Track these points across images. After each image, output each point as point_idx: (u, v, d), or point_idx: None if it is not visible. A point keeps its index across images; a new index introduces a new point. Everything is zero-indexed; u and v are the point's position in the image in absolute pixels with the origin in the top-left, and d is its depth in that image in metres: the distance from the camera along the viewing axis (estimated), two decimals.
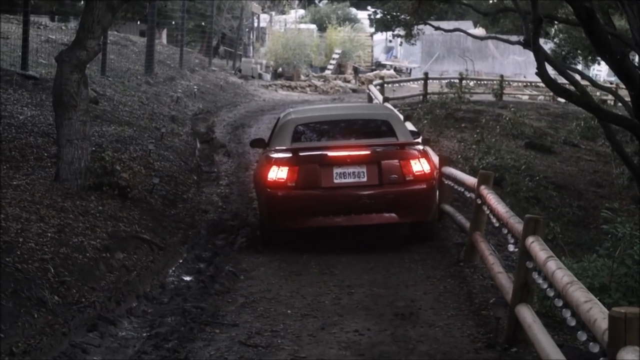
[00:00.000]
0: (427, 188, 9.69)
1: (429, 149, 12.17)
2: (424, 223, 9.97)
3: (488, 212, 8.05)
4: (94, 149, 10.98)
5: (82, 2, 22.43)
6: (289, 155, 9.78)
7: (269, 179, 9.62)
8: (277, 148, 10.07)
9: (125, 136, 13.28)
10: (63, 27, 23.29)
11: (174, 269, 9.13)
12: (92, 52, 10.20)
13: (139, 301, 7.77)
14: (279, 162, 9.67)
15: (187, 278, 8.77)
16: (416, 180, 9.59)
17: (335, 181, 9.56)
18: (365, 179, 9.57)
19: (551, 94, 26.97)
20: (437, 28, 24.46)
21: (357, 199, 9.53)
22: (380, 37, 46.24)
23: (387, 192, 9.52)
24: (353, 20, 44.81)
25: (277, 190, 9.56)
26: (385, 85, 27.53)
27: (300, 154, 9.74)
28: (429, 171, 9.74)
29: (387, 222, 9.74)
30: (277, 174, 9.57)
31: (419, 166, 9.63)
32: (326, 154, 9.67)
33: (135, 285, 8.13)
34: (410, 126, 14.34)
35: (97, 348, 6.51)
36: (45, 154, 10.88)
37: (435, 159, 11.55)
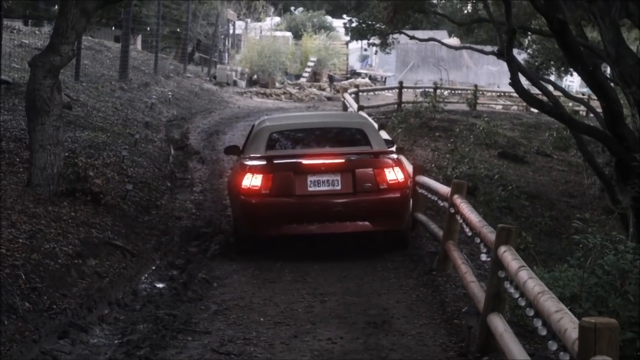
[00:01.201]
0: (401, 197, 9.75)
1: (403, 158, 12.22)
2: (397, 232, 10.01)
3: (461, 221, 8.10)
4: (67, 154, 10.90)
5: (56, 7, 22.29)
6: (263, 162, 9.79)
7: (243, 187, 9.62)
8: (251, 155, 10.07)
9: (98, 142, 13.21)
10: (37, 32, 23.10)
11: (146, 275, 9.09)
12: (66, 58, 10.13)
13: (110, 308, 7.73)
14: (254, 170, 9.68)
15: (160, 285, 8.74)
16: (390, 189, 9.63)
17: (310, 189, 9.58)
18: (339, 187, 9.60)
19: (524, 104, 27.16)
20: (412, 37, 24.55)
21: (331, 207, 9.57)
22: (355, 45, 46.31)
23: (361, 200, 9.55)
24: (328, 29, 44.82)
25: (251, 197, 9.57)
26: (360, 93, 27.59)
27: (275, 161, 9.75)
28: (402, 180, 9.79)
29: (361, 230, 9.78)
30: (252, 181, 9.57)
31: (393, 175, 9.68)
32: (300, 162, 9.69)
33: (107, 292, 8.09)
34: (384, 135, 14.39)
35: (68, 355, 6.46)
36: (18, 160, 10.79)
37: (409, 167, 11.59)
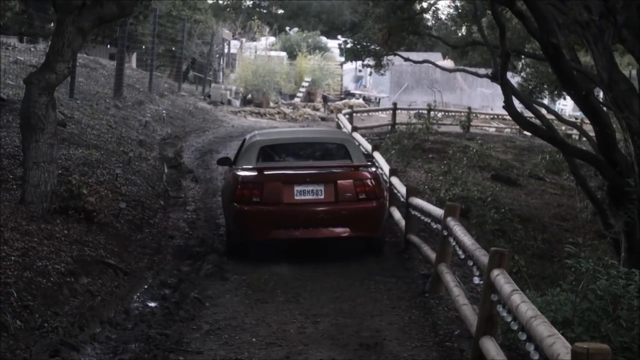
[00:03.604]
0: (377, 206, 10.55)
1: (395, 179, 12.43)
2: (374, 238, 10.79)
3: (454, 243, 8.11)
4: (60, 172, 10.91)
5: (52, 25, 22.32)
6: (254, 173, 10.58)
7: (236, 195, 10.40)
8: (243, 167, 10.84)
9: (92, 160, 13.21)
10: (32, 49, 23.14)
11: (138, 294, 9.07)
12: (61, 75, 10.15)
13: (102, 327, 7.70)
14: (246, 180, 10.48)
15: (152, 304, 8.71)
16: (368, 198, 10.45)
17: (296, 198, 10.38)
18: (322, 197, 10.41)
19: (517, 127, 27.25)
20: (406, 59, 24.67)
21: (314, 214, 10.38)
22: (349, 66, 46.34)
23: (342, 208, 10.38)
24: (323, 49, 44.98)
25: (243, 205, 10.34)
26: (354, 114, 27.66)
27: (265, 172, 10.54)
28: (379, 191, 10.62)
29: (341, 235, 10.53)
30: (244, 190, 10.37)
31: (371, 186, 10.50)
32: (288, 173, 10.57)
33: (99, 310, 8.07)
34: (378, 156, 14.50)
35: None
36: (11, 176, 10.79)
37: (402, 189, 11.68)
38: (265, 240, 10.53)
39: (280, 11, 65.52)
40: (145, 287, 9.37)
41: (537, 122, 14.78)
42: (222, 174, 15.03)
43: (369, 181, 10.52)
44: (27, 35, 27.56)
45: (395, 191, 12.42)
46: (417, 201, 10.79)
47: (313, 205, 10.39)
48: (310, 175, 10.48)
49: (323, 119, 32.66)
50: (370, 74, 39.78)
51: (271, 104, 33.90)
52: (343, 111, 28.01)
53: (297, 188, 10.37)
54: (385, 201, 11.15)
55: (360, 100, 39.71)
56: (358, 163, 10.89)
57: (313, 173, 10.54)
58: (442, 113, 31.42)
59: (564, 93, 21.88)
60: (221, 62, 38.99)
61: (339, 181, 10.43)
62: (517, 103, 13.64)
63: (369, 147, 16.24)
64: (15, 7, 21.59)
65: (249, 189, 10.36)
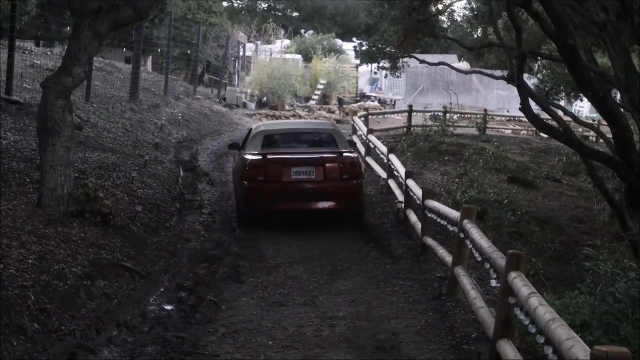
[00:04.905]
0: (357, 185, 12.77)
1: (412, 182, 12.46)
2: (355, 210, 12.95)
3: (471, 246, 8.07)
4: (77, 175, 10.94)
5: (69, 29, 22.43)
6: (260, 157, 12.72)
7: (245, 174, 12.59)
8: (251, 152, 13.00)
9: (108, 163, 13.25)
10: (48, 53, 23.25)
11: (155, 297, 9.08)
12: (78, 79, 10.18)
13: (119, 330, 7.72)
14: (253, 163, 12.65)
15: (169, 307, 8.73)
16: (350, 178, 12.64)
17: (293, 177, 12.55)
18: (314, 177, 12.58)
19: (534, 129, 27.15)
20: (422, 61, 24.58)
21: (308, 190, 12.54)
22: (365, 68, 46.45)
23: (329, 186, 12.55)
24: (338, 52, 44.92)
25: (251, 182, 12.51)
26: (370, 117, 27.59)
27: (268, 156, 12.70)
28: (359, 173, 12.85)
29: (328, 207, 12.59)
30: (251, 171, 12.54)
31: (352, 169, 12.70)
32: (287, 157, 12.77)
33: (116, 313, 8.09)
34: (394, 159, 14.50)
35: None
36: (28, 180, 10.83)
37: (419, 192, 11.67)
38: (269, 211, 12.55)
39: (296, 14, 65.61)
40: (162, 290, 9.39)
41: (554, 124, 14.71)
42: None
43: (351, 165, 12.73)
44: (43, 39, 27.72)
45: (412, 194, 12.41)
46: (434, 204, 10.76)
47: (306, 183, 12.56)
48: (304, 159, 12.73)
49: (338, 121, 32.55)
50: (386, 76, 39.78)
51: (287, 107, 33.90)
52: (359, 114, 27.96)
53: (294, 169, 12.54)
54: (364, 181, 13.39)
55: (376, 103, 39.66)
56: (343, 150, 13.08)
57: (307, 157, 12.79)
58: (458, 115, 31.30)
59: (581, 95, 21.75)
60: (237, 65, 39.04)
61: (327, 164, 12.64)
62: (533, 105, 13.57)
63: (384, 149, 16.22)
64: (32, 12, 21.70)
65: (255, 169, 12.53)
